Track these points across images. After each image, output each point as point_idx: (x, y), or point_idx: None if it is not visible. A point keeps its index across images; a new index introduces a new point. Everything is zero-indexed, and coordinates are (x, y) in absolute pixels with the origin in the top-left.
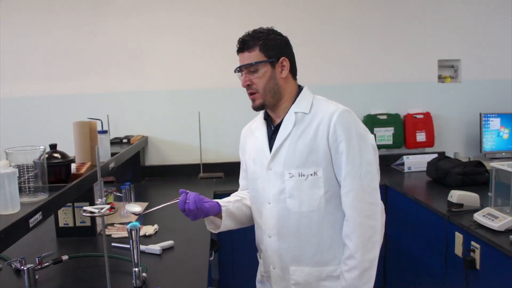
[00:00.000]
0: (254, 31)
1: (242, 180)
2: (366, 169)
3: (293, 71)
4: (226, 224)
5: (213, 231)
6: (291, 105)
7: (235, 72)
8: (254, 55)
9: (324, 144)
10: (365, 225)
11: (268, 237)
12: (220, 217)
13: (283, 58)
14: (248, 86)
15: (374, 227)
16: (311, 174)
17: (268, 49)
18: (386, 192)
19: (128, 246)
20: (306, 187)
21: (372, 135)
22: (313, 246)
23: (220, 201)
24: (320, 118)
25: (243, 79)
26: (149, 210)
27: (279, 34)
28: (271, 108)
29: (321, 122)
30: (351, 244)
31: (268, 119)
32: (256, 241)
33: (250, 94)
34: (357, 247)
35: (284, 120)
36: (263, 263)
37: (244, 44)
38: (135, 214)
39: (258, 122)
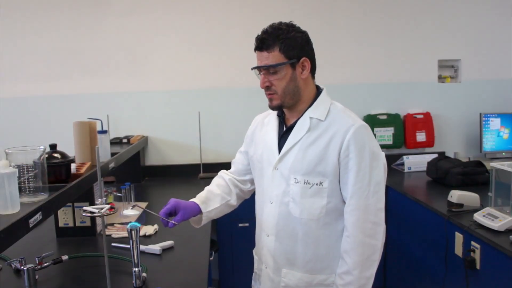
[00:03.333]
0: (273, 28)
1: (237, 164)
2: (374, 189)
3: (313, 70)
4: (204, 223)
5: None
6: (307, 108)
7: (252, 69)
8: (274, 56)
9: (334, 157)
10: (365, 243)
11: (266, 236)
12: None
13: (304, 58)
14: (267, 88)
15: (374, 246)
16: (317, 184)
17: (288, 49)
18: (386, 192)
19: (128, 246)
20: (310, 195)
21: (384, 153)
22: (309, 253)
23: (201, 204)
24: (335, 130)
25: (262, 81)
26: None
27: (299, 31)
28: (287, 108)
29: (335, 135)
30: (350, 260)
31: (281, 116)
32: (255, 237)
33: (268, 94)
34: (355, 265)
35: (297, 123)
36: (257, 260)
37: (263, 44)
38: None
39: (271, 117)
